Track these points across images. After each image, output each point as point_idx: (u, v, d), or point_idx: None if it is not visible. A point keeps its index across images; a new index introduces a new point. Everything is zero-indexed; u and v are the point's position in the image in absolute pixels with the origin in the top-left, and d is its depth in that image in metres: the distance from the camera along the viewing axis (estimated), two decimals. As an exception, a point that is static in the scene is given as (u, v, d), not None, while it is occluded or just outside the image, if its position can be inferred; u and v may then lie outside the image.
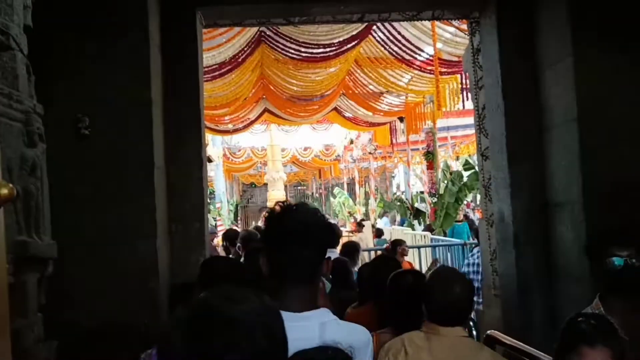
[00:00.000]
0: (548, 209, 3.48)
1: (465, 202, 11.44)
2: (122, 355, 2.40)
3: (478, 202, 17.30)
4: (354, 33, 8.19)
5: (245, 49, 8.31)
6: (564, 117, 3.25)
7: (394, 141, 15.38)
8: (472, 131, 16.93)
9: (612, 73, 3.08)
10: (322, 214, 1.68)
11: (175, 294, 2.51)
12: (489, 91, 3.82)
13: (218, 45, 7.55)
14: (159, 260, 2.98)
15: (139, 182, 2.96)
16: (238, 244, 5.05)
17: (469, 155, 18.43)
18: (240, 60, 8.71)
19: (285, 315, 1.21)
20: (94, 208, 2.89)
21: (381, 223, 16.06)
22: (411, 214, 14.11)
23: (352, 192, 26.81)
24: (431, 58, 8.95)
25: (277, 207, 1.65)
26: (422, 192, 16.99)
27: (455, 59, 9.08)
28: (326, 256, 1.67)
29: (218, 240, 14.18)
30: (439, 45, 8.15)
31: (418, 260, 7.77)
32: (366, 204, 21.22)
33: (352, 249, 5.22)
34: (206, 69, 8.18)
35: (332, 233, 1.67)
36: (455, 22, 6.77)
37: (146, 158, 2.99)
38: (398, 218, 16.70)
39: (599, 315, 2.22)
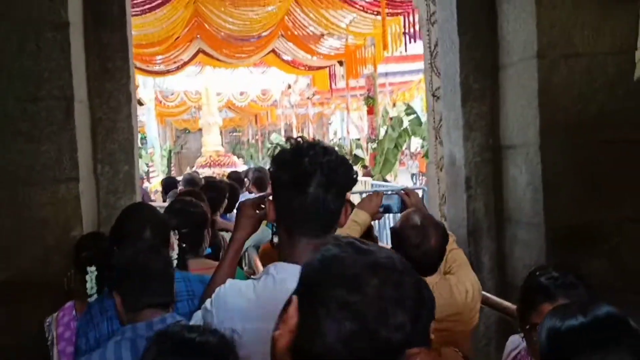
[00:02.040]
0: (501, 151, 3.36)
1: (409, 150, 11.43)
2: (39, 313, 2.10)
3: (413, 149, 17.47)
4: (295, -33, 7.76)
5: (178, -19, 7.74)
6: (523, 54, 3.08)
7: (333, 86, 15.13)
8: (410, 77, 16.94)
9: (575, 6, 2.92)
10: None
11: (83, 243, 2.22)
12: (442, 26, 3.61)
13: (148, -26, 6.97)
14: (82, 206, 2.66)
15: (56, 118, 2.60)
16: (180, 187, 4.78)
17: (405, 103, 18.50)
18: (172, -6, 8.14)
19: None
20: (2, 145, 2.52)
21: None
22: (350, 160, 14.05)
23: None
24: (375, -2, 8.66)
25: (291, 142, 1.39)
26: (358, 139, 16.96)
27: (398, 0, 8.84)
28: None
29: (152, 186, 13.71)
30: (384, -17, 7.85)
31: (359, 206, 7.66)
32: (303, 151, 21.04)
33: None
34: (135, 1, 7.58)
35: (355, 176, 1.40)
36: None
37: (64, 90, 2.63)
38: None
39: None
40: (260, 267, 2.65)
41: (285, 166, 1.36)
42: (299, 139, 1.40)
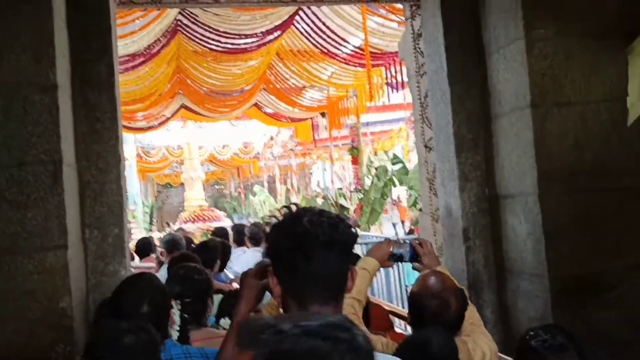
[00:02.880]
0: (498, 201, 3.32)
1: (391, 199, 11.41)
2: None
3: (395, 197, 17.50)
4: (277, 23, 7.86)
5: (161, 39, 7.79)
6: (516, 104, 3.08)
7: (315, 137, 15.21)
8: (390, 126, 17.07)
9: (566, 56, 2.94)
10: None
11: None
12: (432, 78, 3.62)
13: (131, 32, 6.99)
14: (71, 274, 2.53)
15: (44, 183, 2.50)
16: (160, 249, 4.61)
17: (385, 152, 18.61)
18: (154, 52, 8.17)
19: None
20: (-12, 215, 2.41)
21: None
22: (336, 210, 13.96)
23: (272, 190, 26.48)
24: (356, 50, 8.78)
25: (284, 211, 1.33)
26: (340, 189, 16.96)
27: (379, 51, 8.97)
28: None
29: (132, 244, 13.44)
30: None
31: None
32: (287, 201, 20.95)
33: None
34: (118, 60, 7.58)
35: (356, 233, 1.35)
36: (386, 7, 6.58)
37: (52, 154, 2.54)
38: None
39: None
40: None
41: (284, 230, 1.31)
42: (293, 205, 1.36)
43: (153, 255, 5.36)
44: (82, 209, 2.89)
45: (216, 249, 3.87)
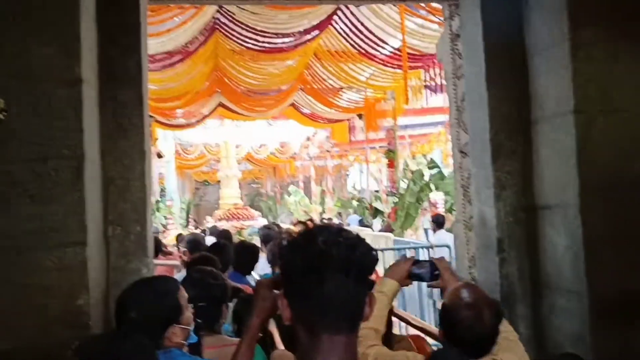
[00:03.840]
0: (536, 211, 3.15)
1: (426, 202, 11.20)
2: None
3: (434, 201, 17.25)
4: (314, 22, 7.79)
5: (199, 37, 7.80)
6: (557, 109, 2.92)
7: (352, 139, 15.12)
8: (429, 130, 16.91)
9: (614, 60, 2.77)
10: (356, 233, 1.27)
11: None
12: (469, 80, 3.48)
13: (168, 30, 7.02)
14: (89, 272, 2.49)
15: (65, 178, 2.47)
16: (183, 249, 4.58)
17: (424, 155, 18.38)
18: (192, 49, 8.20)
19: None
20: (9, 209, 2.39)
21: (353, 221, 15.43)
22: (370, 213, 13.83)
23: (307, 191, 26.48)
24: (395, 51, 8.64)
25: (298, 229, 1.24)
26: (377, 192, 16.82)
27: (418, 53, 8.81)
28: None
29: (169, 239, 13.61)
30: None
31: (382, 263, 7.43)
32: (322, 203, 20.91)
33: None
34: (155, 57, 7.65)
35: (376, 256, 1.25)
36: (426, 8, 6.44)
37: (75, 149, 2.50)
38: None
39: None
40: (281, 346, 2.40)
41: (297, 250, 1.22)
42: (309, 222, 1.26)
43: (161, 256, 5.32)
44: (105, 205, 2.86)
45: (229, 249, 3.79)
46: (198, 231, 12.97)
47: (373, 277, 1.27)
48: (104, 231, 2.85)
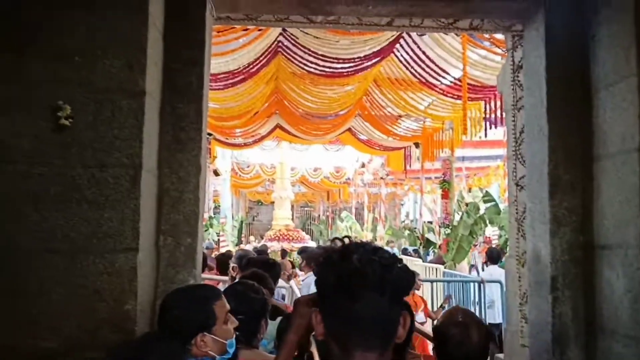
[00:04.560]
0: (594, 250, 3.03)
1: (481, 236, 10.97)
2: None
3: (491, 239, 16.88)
4: (376, 49, 7.84)
5: (261, 58, 7.97)
6: (622, 146, 2.81)
7: (407, 167, 14.99)
8: (487, 163, 16.60)
9: (684, 97, 2.65)
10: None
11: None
12: (529, 112, 3.40)
13: (232, 50, 7.21)
14: (139, 278, 2.55)
15: (122, 186, 2.55)
16: (232, 264, 4.63)
17: (480, 189, 18.03)
18: (254, 70, 8.38)
19: None
20: (66, 211, 2.48)
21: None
22: (421, 244, 13.62)
23: (359, 217, 26.39)
24: (455, 81, 8.57)
25: (335, 245, 1.26)
26: (430, 222, 16.59)
27: (479, 84, 8.71)
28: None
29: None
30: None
31: (430, 295, 7.29)
32: (374, 230, 20.76)
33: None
34: (218, 76, 7.86)
35: (412, 277, 1.25)
36: (487, 37, 6.38)
37: (133, 158, 2.58)
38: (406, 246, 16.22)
39: None
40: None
41: (332, 267, 1.22)
42: (346, 239, 1.26)
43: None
44: (158, 215, 2.93)
45: (278, 267, 3.79)
46: (251, 247, 13.11)
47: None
48: (155, 240, 2.91)
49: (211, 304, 1.97)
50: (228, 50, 7.10)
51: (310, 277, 5.22)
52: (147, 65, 2.62)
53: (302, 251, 6.97)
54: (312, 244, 15.85)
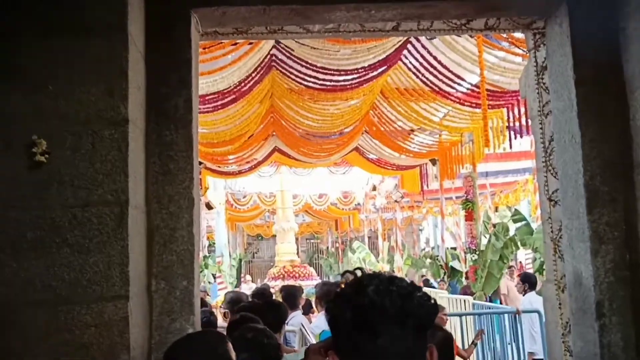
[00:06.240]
0: (642, 269, 3.03)
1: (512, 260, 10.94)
2: None
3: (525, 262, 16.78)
4: (381, 57, 7.92)
5: (254, 75, 8.07)
6: (665, 150, 2.84)
7: (424, 188, 15.02)
8: (514, 178, 16.62)
9: None
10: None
11: None
12: (559, 118, 3.43)
13: (221, 68, 7.30)
14: (131, 329, 2.56)
15: (108, 225, 2.58)
16: (223, 310, 4.65)
17: (508, 207, 17.99)
18: (246, 88, 8.47)
19: None
20: (46, 258, 2.51)
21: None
22: (445, 273, 13.58)
23: (373, 247, 26.31)
24: (472, 88, 8.64)
25: (347, 278, 1.29)
26: (454, 249, 16.56)
27: (500, 90, 8.78)
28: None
29: (218, 301, 13.78)
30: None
31: (460, 330, 7.25)
32: (391, 261, 20.71)
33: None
34: (206, 98, 7.94)
35: (435, 306, 1.27)
36: (505, 37, 6.44)
37: (119, 195, 2.62)
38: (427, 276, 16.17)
39: None
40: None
41: (346, 303, 1.24)
42: (358, 271, 1.29)
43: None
44: (149, 256, 2.95)
45: (284, 310, 3.81)
46: (247, 288, 13.07)
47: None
48: (147, 285, 2.93)
49: (226, 348, 1.98)
50: (216, 68, 7.19)
51: (321, 318, 5.21)
52: (129, 90, 2.67)
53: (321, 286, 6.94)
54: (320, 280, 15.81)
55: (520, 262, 16.94)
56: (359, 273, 1.27)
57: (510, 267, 13.48)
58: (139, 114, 2.85)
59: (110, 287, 2.55)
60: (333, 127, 11.11)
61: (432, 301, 1.24)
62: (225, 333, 3.15)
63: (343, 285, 1.28)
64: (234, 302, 4.61)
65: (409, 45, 7.89)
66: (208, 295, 13.94)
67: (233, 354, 1.98)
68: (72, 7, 2.67)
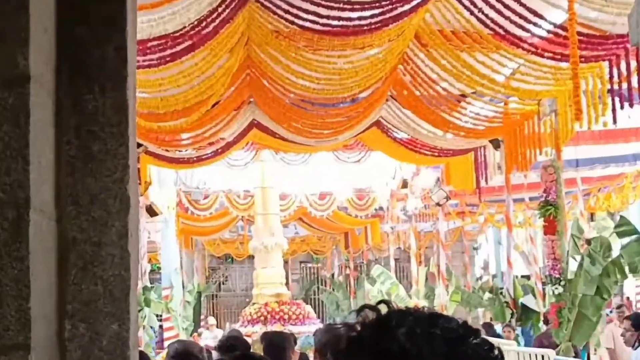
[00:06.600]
0: None
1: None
2: None
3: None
4: (416, -17, 7.95)
5: (220, 9, 8.08)
6: None
7: (481, 184, 15.05)
8: (619, 169, 16.77)
9: None
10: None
11: None
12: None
13: (169, -1, 7.34)
14: (34, 397, 2.58)
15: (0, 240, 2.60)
16: None
17: (611, 213, 18.02)
18: (210, 30, 8.49)
19: None
20: None
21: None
22: (513, 315, 13.62)
23: (403, 275, 26.38)
24: (555, 31, 8.66)
25: (366, 317, 1.32)
26: (526, 277, 16.57)
27: (597, 33, 8.80)
28: None
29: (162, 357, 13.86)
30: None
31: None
32: (430, 296, 20.77)
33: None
34: (149, 45, 7.97)
35: (499, 354, 1.30)
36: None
37: (15, 191, 2.64)
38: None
39: None
40: None
41: (368, 349, 1.27)
42: (382, 306, 1.33)
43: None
44: (61, 286, 2.97)
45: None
46: (211, 337, 13.11)
47: None
48: (57, 330, 2.95)
49: None
50: (163, -1, 7.22)
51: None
52: (30, 32, 2.68)
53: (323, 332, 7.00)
54: (319, 324, 15.88)
55: (628, 297, 16.99)
56: (383, 309, 1.29)
57: (619, 306, 13.55)
58: (46, 68, 2.87)
59: (3, 333, 2.57)
60: (342, 91, 11.13)
61: (496, 352, 1.26)
62: None
63: (360, 327, 1.30)
64: (181, 358, 4.63)
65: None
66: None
67: None
68: None
